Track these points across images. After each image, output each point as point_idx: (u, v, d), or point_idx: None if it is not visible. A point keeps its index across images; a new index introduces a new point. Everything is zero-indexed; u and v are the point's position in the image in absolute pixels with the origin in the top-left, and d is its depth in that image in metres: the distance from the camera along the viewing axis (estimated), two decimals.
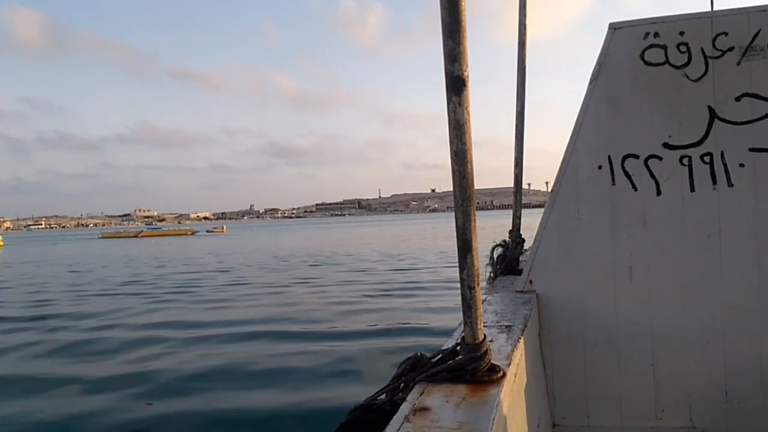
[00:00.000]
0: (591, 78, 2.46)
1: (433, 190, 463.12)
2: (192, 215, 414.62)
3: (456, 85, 1.23)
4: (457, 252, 1.31)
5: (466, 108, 1.25)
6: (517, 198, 3.28)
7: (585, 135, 2.47)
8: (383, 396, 1.48)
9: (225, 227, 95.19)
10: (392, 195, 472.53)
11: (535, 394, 2.20)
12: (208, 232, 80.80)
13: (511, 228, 3.33)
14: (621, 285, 2.43)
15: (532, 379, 2.15)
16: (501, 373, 1.43)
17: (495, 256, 3.24)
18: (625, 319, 2.43)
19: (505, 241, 3.29)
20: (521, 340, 1.83)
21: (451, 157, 1.26)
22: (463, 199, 1.28)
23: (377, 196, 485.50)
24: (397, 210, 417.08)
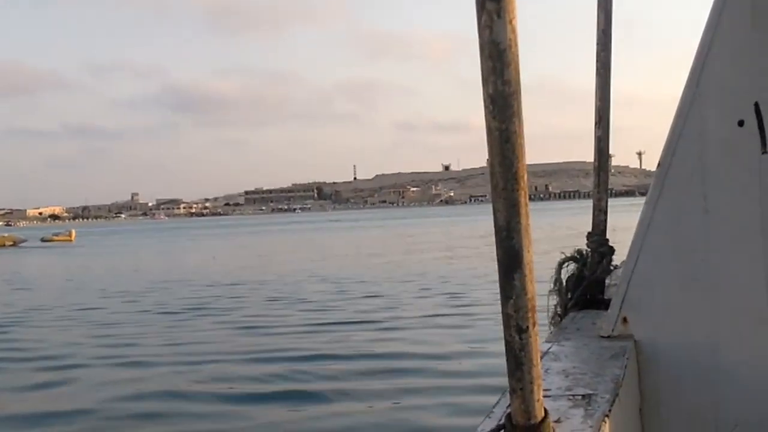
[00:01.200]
0: None
1: (447, 168, 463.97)
2: (30, 211, 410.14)
3: None
4: (498, 269, 1.35)
5: (510, 23, 1.23)
6: (599, 179, 3.37)
7: (715, 71, 2.55)
8: None
9: (74, 233, 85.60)
10: (376, 176, 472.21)
11: None
12: (43, 241, 77.12)
13: (590, 230, 3.42)
14: None
15: None
16: None
17: (564, 277, 3.33)
18: None
19: (580, 251, 3.38)
20: (609, 420, 1.90)
21: (486, 108, 1.27)
22: (507, 178, 1.28)
23: (351, 178, 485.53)
24: (384, 201, 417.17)
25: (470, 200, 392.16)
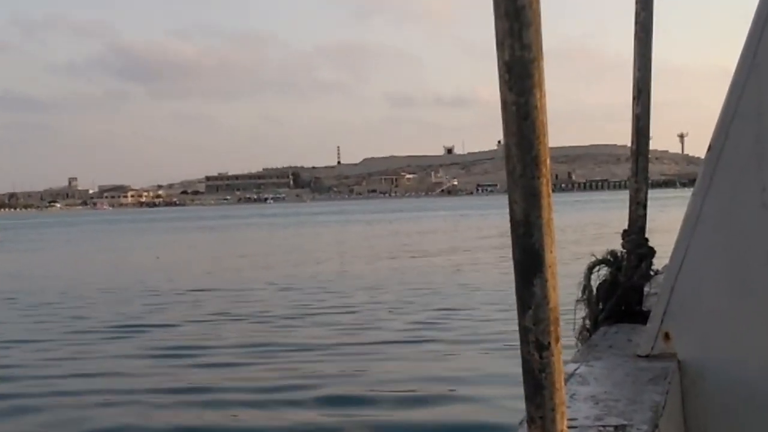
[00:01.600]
0: None
1: (450, 151, 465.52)
2: None
3: None
4: (514, 273, 1.34)
5: None
6: (638, 166, 3.38)
7: None
8: None
9: None
10: (364, 160, 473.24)
11: None
12: None
13: (625, 227, 3.43)
14: None
15: None
16: None
17: (594, 283, 3.34)
18: None
19: (613, 253, 3.40)
20: None
21: (501, 78, 1.26)
22: (525, 162, 1.27)
23: (334, 162, 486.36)
24: (374, 190, 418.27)
25: (477, 190, 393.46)
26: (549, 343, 1.32)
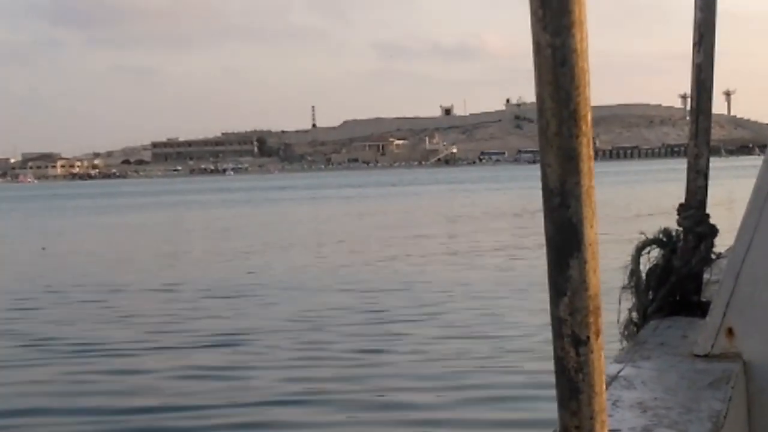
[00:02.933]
0: None
1: (449, 112, 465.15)
2: None
3: None
4: (546, 254, 1.33)
5: None
6: (698, 127, 3.39)
7: None
8: None
9: None
10: (344, 123, 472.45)
11: None
12: None
13: (684, 200, 3.44)
14: None
15: None
16: None
17: (644, 268, 3.35)
18: None
19: (667, 232, 3.42)
20: None
21: (533, 15, 1.24)
22: (562, 118, 1.27)
23: (308, 126, 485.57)
24: (356, 159, 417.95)
25: (481, 159, 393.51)
26: (588, 337, 1.32)
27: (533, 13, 1.23)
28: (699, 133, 3.40)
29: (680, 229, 3.41)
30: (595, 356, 1.32)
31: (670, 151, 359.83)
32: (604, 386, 1.36)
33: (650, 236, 3.39)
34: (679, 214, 3.42)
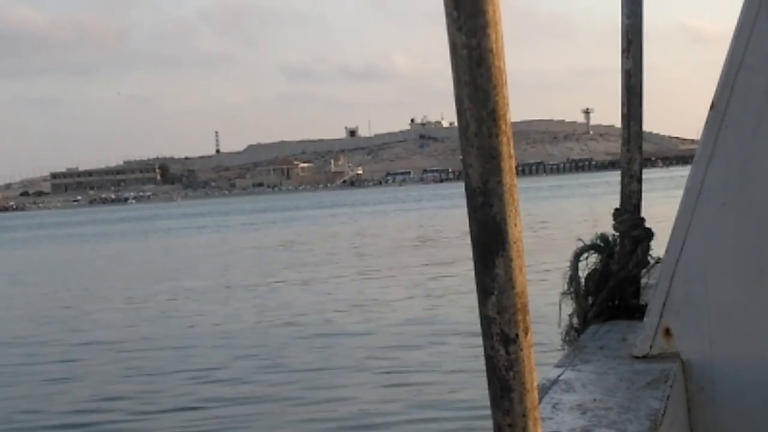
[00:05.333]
0: None
1: (353, 133, 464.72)
2: None
3: None
4: (472, 252, 1.34)
5: None
6: (630, 131, 3.45)
7: None
8: None
9: None
10: (249, 147, 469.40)
11: None
12: None
13: (618, 205, 3.50)
14: None
15: None
16: None
17: (583, 274, 3.39)
18: None
19: (604, 237, 3.47)
20: None
21: (448, 16, 1.26)
22: (481, 118, 1.28)
23: (212, 151, 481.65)
24: (260, 184, 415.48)
25: (387, 180, 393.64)
26: (516, 335, 1.33)
27: (448, 15, 1.25)
28: (631, 138, 3.45)
29: (616, 233, 3.46)
30: (525, 354, 1.34)
31: (575, 166, 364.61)
32: (535, 383, 1.38)
33: (588, 242, 3.43)
34: (615, 219, 3.46)
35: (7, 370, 20.38)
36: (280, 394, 16.22)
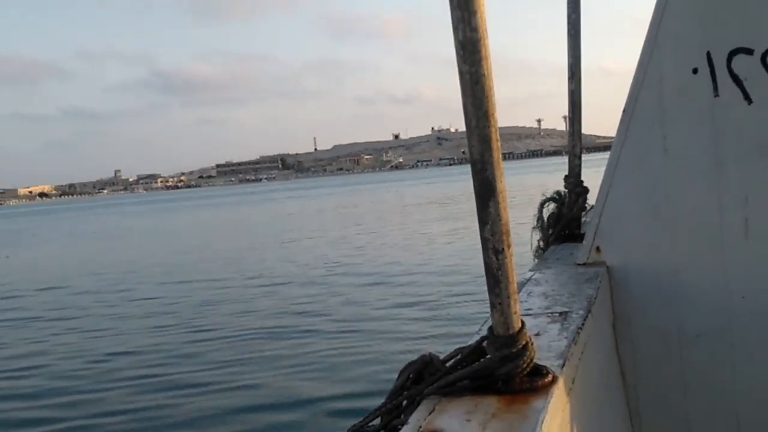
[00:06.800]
0: None
1: (397, 136, 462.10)
2: (22, 190, 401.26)
3: None
4: (474, 199, 1.35)
5: None
6: (574, 129, 3.38)
7: (671, 24, 2.52)
8: (378, 420, 1.49)
9: None
10: (334, 146, 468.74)
11: (606, 411, 2.29)
12: None
13: (567, 174, 3.44)
14: (733, 246, 2.53)
15: (601, 390, 2.25)
16: (549, 378, 1.46)
17: (545, 215, 3.35)
18: (740, 296, 2.53)
19: (558, 192, 3.41)
20: (583, 332, 1.90)
21: (457, 54, 1.29)
22: (478, 116, 1.31)
23: (312, 149, 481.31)
24: (341, 169, 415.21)
25: (417, 164, 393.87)
26: (503, 248, 1.36)
27: (457, 53, 1.28)
28: (575, 132, 3.39)
29: (566, 190, 3.42)
30: (509, 260, 1.38)
31: (532, 154, 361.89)
32: (515, 278, 1.41)
33: (548, 195, 3.39)
34: (565, 181, 3.43)
35: (219, 285, 17.84)
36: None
